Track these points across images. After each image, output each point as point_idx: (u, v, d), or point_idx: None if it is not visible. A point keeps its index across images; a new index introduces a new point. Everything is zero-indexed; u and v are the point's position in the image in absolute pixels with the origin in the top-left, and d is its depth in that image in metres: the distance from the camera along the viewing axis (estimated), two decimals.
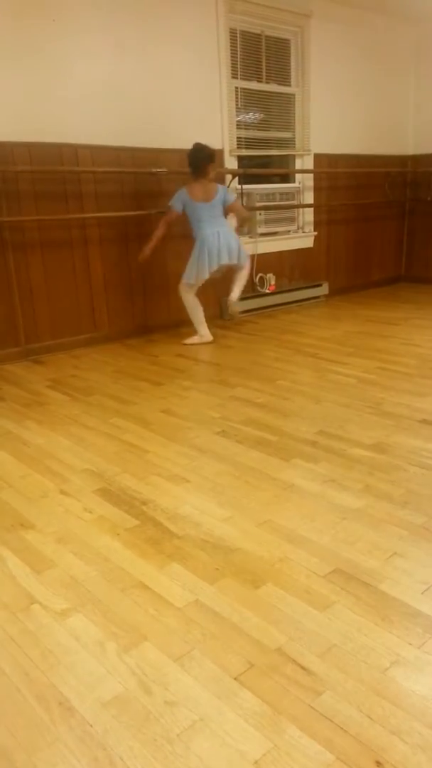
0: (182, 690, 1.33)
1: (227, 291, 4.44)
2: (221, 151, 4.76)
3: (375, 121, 5.98)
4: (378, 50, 5.80)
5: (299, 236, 5.57)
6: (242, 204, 4.98)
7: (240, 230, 4.69)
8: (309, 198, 5.56)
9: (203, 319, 4.39)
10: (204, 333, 4.38)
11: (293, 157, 5.40)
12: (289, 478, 2.29)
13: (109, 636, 1.50)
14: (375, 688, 1.32)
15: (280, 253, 5.46)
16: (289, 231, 5.47)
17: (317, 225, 5.71)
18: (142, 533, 1.95)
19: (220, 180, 4.78)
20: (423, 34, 5.99)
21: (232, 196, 4.32)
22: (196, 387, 3.41)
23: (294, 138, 5.34)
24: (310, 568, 1.74)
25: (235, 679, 1.35)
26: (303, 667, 1.39)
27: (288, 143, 5.33)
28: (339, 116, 5.61)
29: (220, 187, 4.21)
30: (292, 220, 5.46)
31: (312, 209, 5.60)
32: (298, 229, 5.57)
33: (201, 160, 4.09)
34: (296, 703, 1.29)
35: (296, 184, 5.42)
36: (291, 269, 5.61)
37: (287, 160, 5.41)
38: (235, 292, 4.41)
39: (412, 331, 4.55)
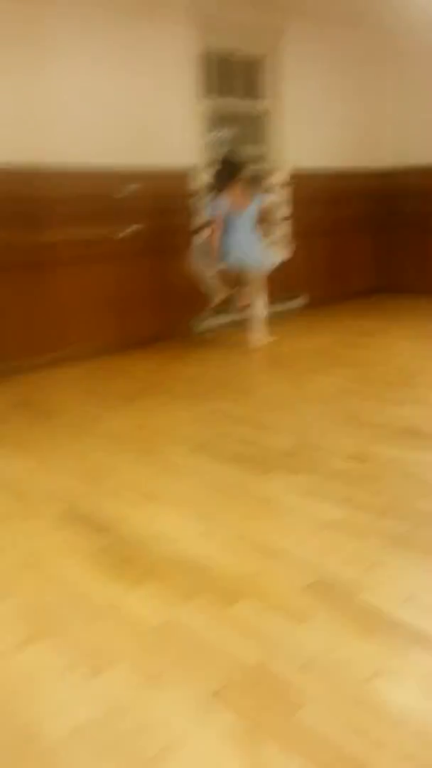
0: (155, 712, 1.28)
1: (193, 309, 4.44)
2: (194, 168, 4.77)
3: (352, 136, 6.04)
4: (353, 65, 5.87)
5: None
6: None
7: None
8: (286, 211, 5.59)
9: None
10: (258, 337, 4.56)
11: (269, 171, 5.44)
12: (268, 491, 2.26)
13: (76, 662, 1.44)
14: (356, 700, 1.29)
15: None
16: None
17: (295, 237, 5.73)
18: (113, 554, 1.88)
19: (190, 196, 4.80)
20: (396, 43, 6.07)
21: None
22: (172, 402, 3.37)
23: (269, 152, 5.38)
24: (289, 580, 1.71)
25: (212, 697, 1.31)
26: (282, 681, 1.35)
27: (262, 158, 5.36)
28: (315, 131, 5.66)
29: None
30: (269, 233, 5.48)
31: (289, 222, 5.63)
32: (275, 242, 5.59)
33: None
34: (276, 719, 1.25)
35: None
36: (269, 281, 5.62)
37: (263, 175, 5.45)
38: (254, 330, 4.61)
39: (391, 340, 4.57)
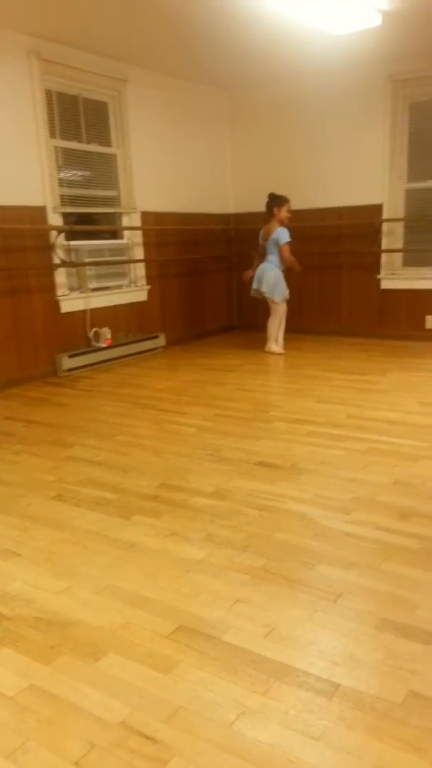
0: None
1: (54, 349, 4.35)
2: (43, 209, 4.72)
3: (198, 182, 6.29)
4: (196, 115, 6.16)
5: (132, 290, 5.64)
6: (71, 259, 4.97)
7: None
8: (139, 253, 5.67)
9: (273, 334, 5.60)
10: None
11: (120, 214, 5.50)
12: (131, 537, 2.23)
13: None
14: (222, 746, 1.29)
15: (115, 307, 5.48)
16: (121, 285, 5.52)
17: (150, 279, 5.82)
18: None
19: (46, 236, 4.75)
20: (235, 101, 6.48)
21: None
22: (27, 450, 3.24)
23: (119, 196, 5.45)
24: (153, 629, 1.69)
25: (75, 765, 1.25)
26: (148, 737, 1.32)
27: (113, 201, 5.42)
28: (163, 176, 5.84)
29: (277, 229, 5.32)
30: (123, 274, 5.53)
31: (143, 264, 5.72)
32: (130, 283, 5.64)
33: (268, 204, 5.36)
34: None
35: (125, 241, 5.51)
36: (127, 322, 5.65)
37: (115, 218, 5.50)
38: (268, 341, 5.63)
39: (246, 376, 4.75)
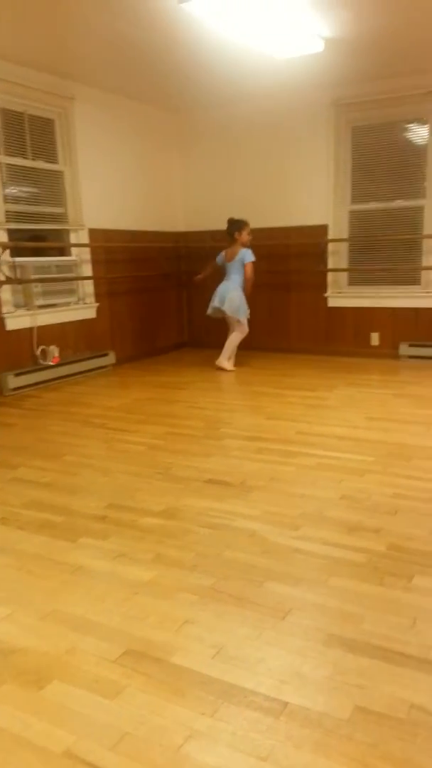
0: None
1: (3, 368, 4.25)
2: None
3: (148, 200, 6.31)
4: (144, 134, 6.19)
5: (81, 307, 5.59)
6: (17, 276, 4.89)
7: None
8: (88, 270, 5.63)
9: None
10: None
11: (68, 231, 5.46)
12: (77, 560, 2.19)
13: None
14: None
15: (63, 324, 5.42)
16: (69, 302, 5.47)
17: (99, 296, 5.78)
18: None
19: None
20: (183, 121, 6.55)
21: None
22: None
23: (66, 213, 5.41)
24: (99, 654, 1.66)
25: None
26: (93, 765, 1.29)
27: (61, 218, 5.38)
28: (112, 194, 5.83)
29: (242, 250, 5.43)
30: (72, 291, 5.47)
31: (92, 281, 5.68)
32: (78, 300, 5.59)
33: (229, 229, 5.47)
34: None
35: (73, 258, 5.47)
36: (75, 340, 5.58)
37: (62, 234, 5.45)
38: (221, 356, 5.65)
39: (197, 393, 4.75)
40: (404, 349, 5.82)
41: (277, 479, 2.91)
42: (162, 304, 6.67)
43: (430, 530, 2.33)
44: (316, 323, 6.26)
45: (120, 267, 6.01)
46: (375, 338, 6.01)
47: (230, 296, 5.44)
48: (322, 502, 2.63)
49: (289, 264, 6.24)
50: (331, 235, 5.98)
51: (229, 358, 5.65)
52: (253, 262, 5.41)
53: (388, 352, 5.95)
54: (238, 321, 5.54)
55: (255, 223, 6.13)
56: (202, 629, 1.76)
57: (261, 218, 6.17)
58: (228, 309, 5.45)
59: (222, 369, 5.59)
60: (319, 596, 1.91)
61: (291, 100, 5.90)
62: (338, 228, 5.97)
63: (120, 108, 5.84)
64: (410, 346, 5.79)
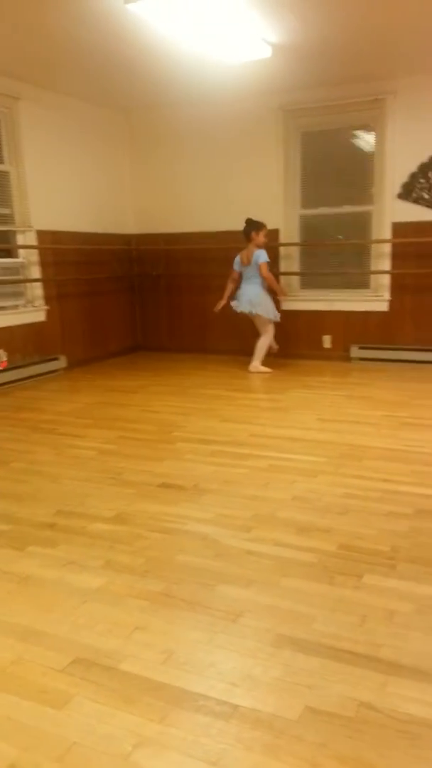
0: None
1: None
2: None
3: (98, 202, 6.24)
4: (94, 135, 6.12)
5: (29, 310, 5.48)
6: None
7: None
8: (36, 272, 5.53)
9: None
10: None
11: (15, 232, 5.35)
12: (24, 569, 2.13)
13: None
14: None
15: (10, 328, 5.30)
16: (17, 305, 5.36)
17: (48, 299, 5.69)
18: None
19: None
20: (133, 123, 6.51)
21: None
22: None
23: (13, 214, 5.30)
24: (46, 664, 1.62)
25: None
26: None
27: (7, 219, 5.27)
28: (60, 195, 5.74)
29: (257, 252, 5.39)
30: (19, 294, 5.37)
31: (41, 283, 5.58)
32: (27, 303, 5.48)
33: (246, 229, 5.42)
34: None
35: (20, 259, 5.36)
36: (24, 344, 5.47)
37: (8, 236, 5.34)
38: (253, 360, 5.62)
39: (150, 397, 4.72)
40: (355, 351, 5.92)
41: (230, 482, 2.90)
42: (114, 307, 6.60)
43: (380, 529, 2.37)
44: None
45: (70, 269, 5.92)
46: (327, 341, 6.09)
47: (252, 295, 5.43)
48: (275, 503, 2.64)
49: None
50: (282, 239, 6.03)
51: (259, 360, 5.63)
52: (267, 263, 5.39)
53: (340, 354, 6.04)
54: (269, 321, 5.53)
55: (206, 226, 6.15)
56: (153, 635, 1.73)
57: (213, 222, 6.19)
58: (253, 308, 5.43)
59: (258, 372, 5.55)
60: (270, 597, 1.91)
61: (240, 104, 5.94)
62: (289, 232, 6.03)
63: (69, 108, 5.77)
64: (360, 348, 5.89)
